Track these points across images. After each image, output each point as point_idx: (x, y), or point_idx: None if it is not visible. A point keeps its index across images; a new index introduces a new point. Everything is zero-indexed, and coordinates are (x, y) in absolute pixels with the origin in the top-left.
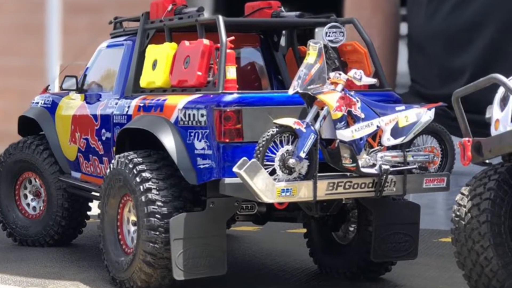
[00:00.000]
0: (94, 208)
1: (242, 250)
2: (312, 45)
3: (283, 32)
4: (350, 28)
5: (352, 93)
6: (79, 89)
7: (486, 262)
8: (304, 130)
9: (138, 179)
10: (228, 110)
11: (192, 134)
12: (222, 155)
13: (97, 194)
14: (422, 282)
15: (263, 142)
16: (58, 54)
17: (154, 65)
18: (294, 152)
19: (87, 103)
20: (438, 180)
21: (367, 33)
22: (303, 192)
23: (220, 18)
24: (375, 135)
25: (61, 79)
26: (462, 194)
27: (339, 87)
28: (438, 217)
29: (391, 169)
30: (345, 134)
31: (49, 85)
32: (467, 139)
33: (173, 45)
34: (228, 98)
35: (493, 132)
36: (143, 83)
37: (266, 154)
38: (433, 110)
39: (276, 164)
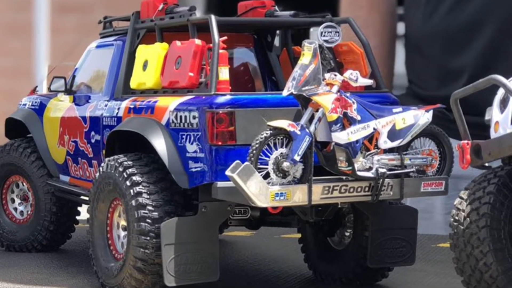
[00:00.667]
0: (83, 212)
1: (235, 255)
2: (307, 45)
3: (277, 32)
4: (346, 28)
5: (348, 94)
6: (68, 91)
7: (486, 268)
8: (298, 133)
9: (128, 183)
10: (220, 112)
11: (184, 136)
12: (215, 158)
13: (86, 198)
14: None
15: (257, 145)
16: (46, 54)
17: (144, 65)
18: (288, 155)
19: (76, 104)
20: (436, 184)
21: (363, 33)
22: (298, 196)
23: (213, 17)
24: (372, 138)
25: (49, 80)
26: (461, 198)
27: (335, 89)
28: (436, 222)
29: (388, 172)
30: (341, 137)
31: (37, 86)
32: (466, 141)
33: (164, 45)
34: (221, 99)
35: (493, 134)
36: (133, 84)
37: (260, 157)
38: (431, 112)
39: (270, 167)
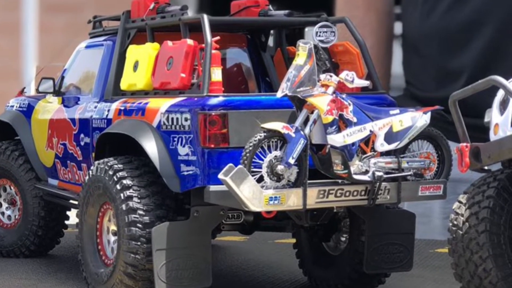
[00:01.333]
0: (72, 217)
1: (228, 261)
2: (302, 46)
3: (271, 31)
4: (342, 27)
5: (344, 96)
6: (57, 92)
7: (485, 274)
8: (293, 135)
9: (118, 187)
10: (213, 114)
11: (175, 139)
12: (207, 161)
13: (76, 202)
14: None
15: (250, 148)
16: (34, 55)
17: (135, 66)
18: (282, 158)
19: (65, 106)
20: (434, 188)
21: (360, 32)
22: (292, 200)
23: (205, 17)
24: (368, 140)
25: (37, 81)
26: (460, 202)
27: (330, 90)
28: (434, 227)
29: (385, 176)
30: (337, 139)
31: (25, 88)
32: (465, 144)
33: (156, 45)
34: (213, 101)
35: (492, 137)
36: (123, 85)
37: (253, 160)
38: (429, 114)
39: (264, 170)
